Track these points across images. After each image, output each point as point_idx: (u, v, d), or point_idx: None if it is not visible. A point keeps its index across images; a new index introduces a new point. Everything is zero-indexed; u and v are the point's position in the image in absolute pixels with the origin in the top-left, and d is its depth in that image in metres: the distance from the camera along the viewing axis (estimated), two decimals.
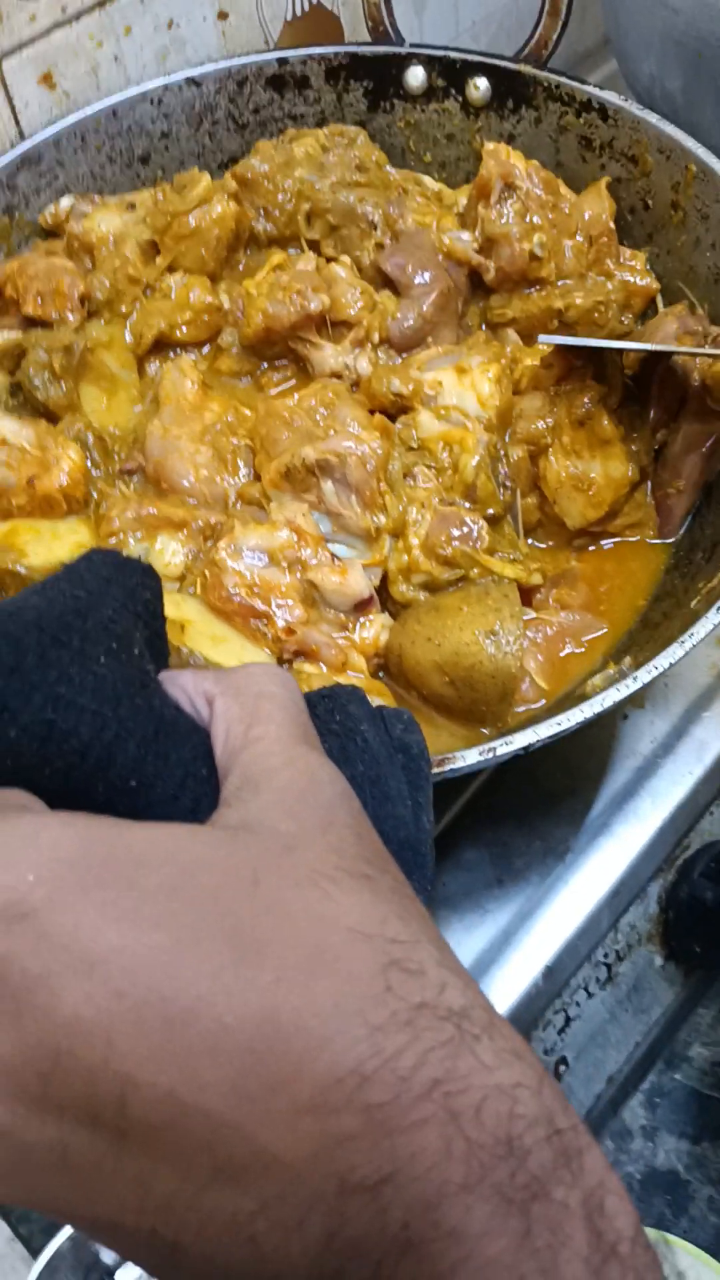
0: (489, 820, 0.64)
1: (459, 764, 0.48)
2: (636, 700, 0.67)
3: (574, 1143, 0.22)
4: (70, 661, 0.28)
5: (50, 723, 0.27)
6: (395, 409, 0.61)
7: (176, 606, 0.56)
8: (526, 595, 0.59)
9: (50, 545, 0.58)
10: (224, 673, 0.33)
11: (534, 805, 0.65)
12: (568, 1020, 0.63)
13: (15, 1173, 0.22)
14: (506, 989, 0.59)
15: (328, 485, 0.58)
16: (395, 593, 0.58)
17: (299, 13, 0.81)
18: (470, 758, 0.48)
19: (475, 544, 0.57)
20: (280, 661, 0.56)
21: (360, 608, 0.57)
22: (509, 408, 0.61)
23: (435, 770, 0.47)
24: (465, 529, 0.57)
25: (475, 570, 0.57)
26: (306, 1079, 0.21)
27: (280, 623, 0.55)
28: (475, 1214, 0.20)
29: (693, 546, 0.63)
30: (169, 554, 0.57)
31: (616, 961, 0.65)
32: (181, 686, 0.32)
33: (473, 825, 0.64)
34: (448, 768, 0.48)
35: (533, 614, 0.60)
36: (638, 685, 0.49)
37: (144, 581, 0.33)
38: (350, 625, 0.58)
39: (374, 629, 0.57)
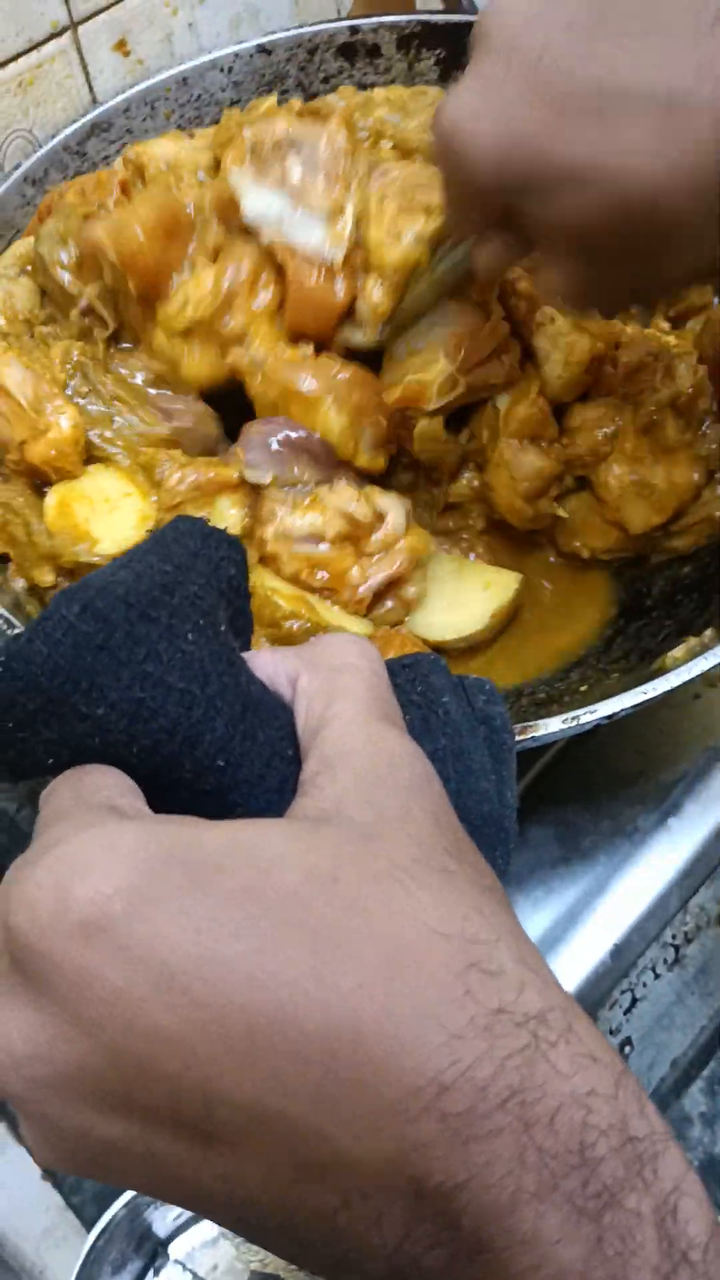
0: (555, 799, 0.63)
1: (541, 732, 0.47)
2: (709, 679, 0.66)
3: (648, 1149, 0.22)
4: (159, 638, 0.28)
5: (139, 700, 0.27)
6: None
7: (260, 582, 0.56)
8: None
9: (111, 523, 0.57)
10: (304, 647, 0.33)
11: (601, 785, 0.64)
12: (634, 1001, 0.62)
13: (104, 1163, 0.24)
14: (573, 968, 0.58)
15: (293, 160, 0.55)
16: None
17: None
18: (553, 726, 0.47)
19: None
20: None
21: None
22: None
23: (517, 739, 0.47)
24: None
25: None
26: (387, 1086, 0.21)
27: (360, 593, 0.54)
28: (547, 1222, 0.21)
29: None
30: (228, 518, 0.57)
31: (685, 943, 0.64)
32: (263, 666, 0.32)
33: (538, 804, 0.63)
34: (529, 736, 0.47)
35: None
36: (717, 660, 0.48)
37: (229, 555, 0.33)
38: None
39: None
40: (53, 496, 0.55)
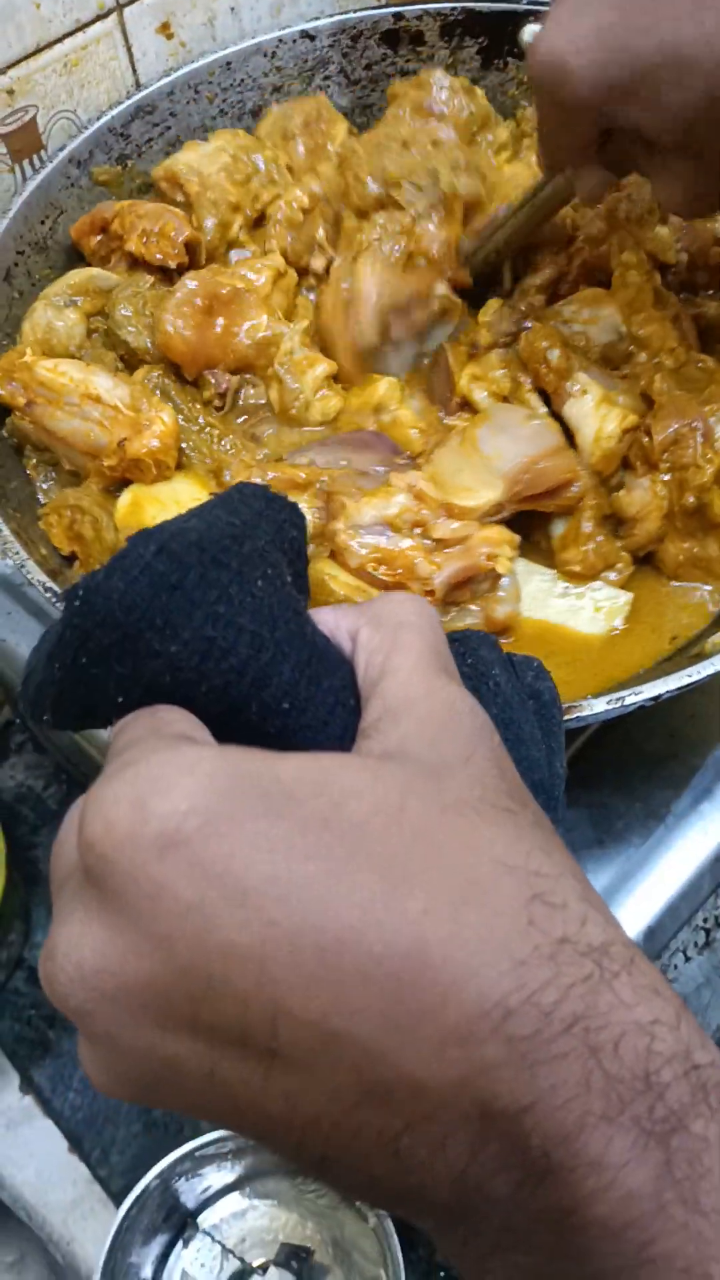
0: (589, 782, 0.64)
1: (586, 712, 0.48)
2: None
3: (713, 1077, 0.22)
4: (230, 582, 0.29)
5: (210, 639, 0.28)
6: None
7: (319, 567, 0.56)
8: None
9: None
10: (365, 605, 0.34)
11: (634, 769, 0.64)
12: None
13: (163, 1084, 0.23)
14: None
15: None
16: None
17: None
18: (598, 706, 0.48)
19: None
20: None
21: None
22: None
23: (564, 718, 0.47)
24: None
25: None
26: (453, 1009, 0.21)
27: (433, 586, 0.55)
28: (615, 1145, 0.21)
29: None
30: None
31: (715, 927, 0.65)
32: (325, 620, 0.32)
33: (572, 787, 0.63)
34: (574, 716, 0.48)
35: None
36: None
37: (291, 519, 0.33)
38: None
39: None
40: (127, 496, 0.56)
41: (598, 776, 0.64)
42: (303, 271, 0.66)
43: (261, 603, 0.29)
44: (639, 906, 0.60)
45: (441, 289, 0.62)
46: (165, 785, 0.23)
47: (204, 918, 0.22)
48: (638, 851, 0.61)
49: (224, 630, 0.28)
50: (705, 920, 0.64)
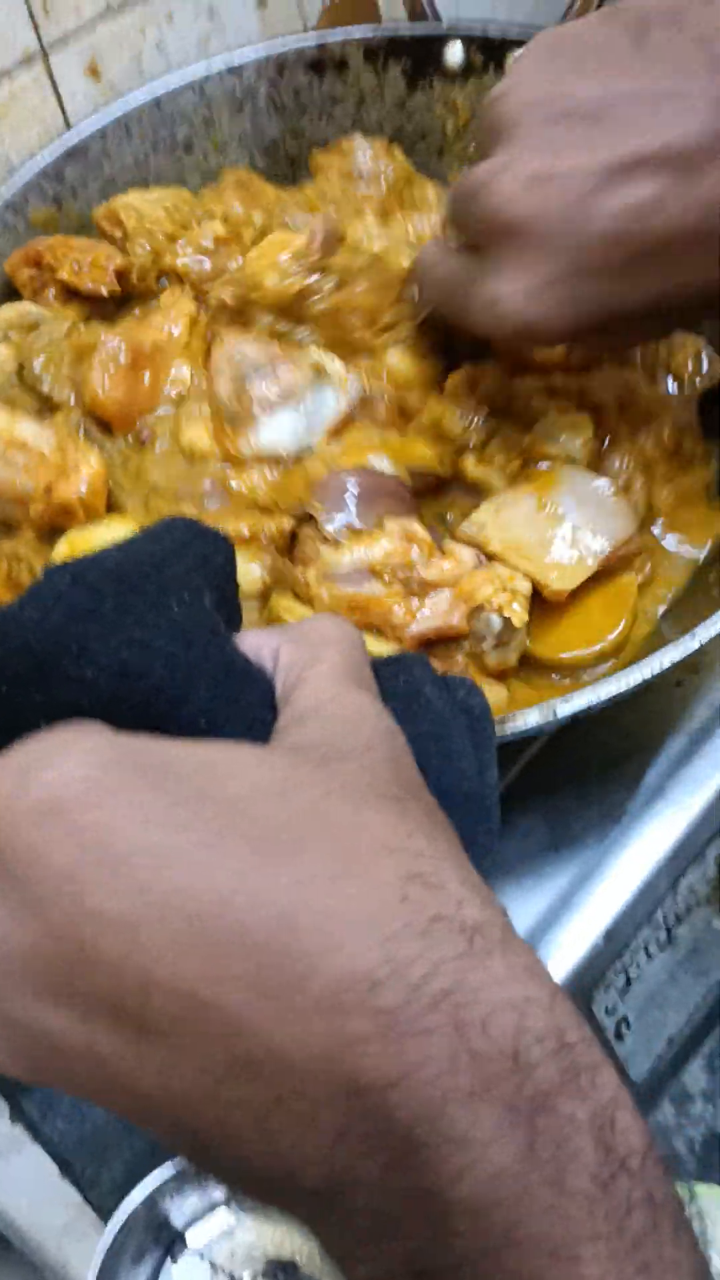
0: (543, 787, 0.65)
1: (520, 724, 0.49)
2: (690, 666, 0.68)
3: (585, 1059, 0.22)
4: (145, 608, 0.30)
5: (125, 662, 0.29)
6: None
7: (276, 604, 0.53)
8: None
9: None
10: (288, 626, 0.35)
11: (588, 772, 0.66)
12: (628, 981, 0.64)
13: (48, 1061, 0.24)
14: (568, 951, 0.60)
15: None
16: None
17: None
18: (531, 719, 0.49)
19: None
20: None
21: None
22: None
23: (496, 731, 0.48)
24: None
25: None
26: (320, 979, 0.21)
27: (411, 631, 0.52)
28: (481, 1123, 0.21)
29: None
30: (244, 572, 0.52)
31: (675, 924, 0.66)
32: (248, 641, 0.33)
33: (527, 793, 0.65)
34: (508, 727, 0.49)
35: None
36: (695, 645, 0.50)
37: (218, 546, 0.34)
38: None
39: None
40: (63, 544, 0.55)
41: (554, 780, 0.65)
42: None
43: (178, 625, 0.30)
44: (598, 907, 0.61)
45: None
46: (50, 756, 0.24)
47: (77, 884, 0.22)
48: (595, 854, 0.63)
49: (139, 652, 0.29)
50: (665, 918, 0.65)
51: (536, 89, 0.46)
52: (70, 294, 0.67)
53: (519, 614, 0.52)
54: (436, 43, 0.75)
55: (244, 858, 0.23)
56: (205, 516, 0.55)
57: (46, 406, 0.60)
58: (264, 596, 0.54)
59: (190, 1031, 0.22)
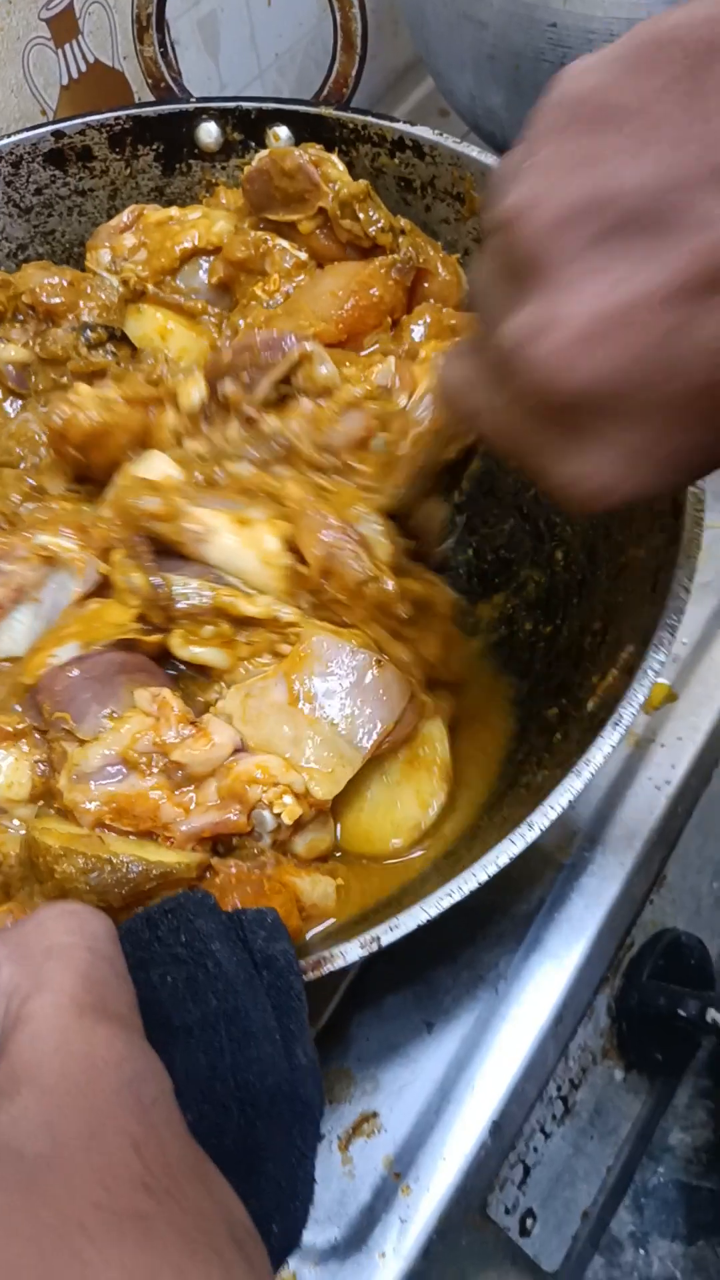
0: (408, 958, 0.57)
1: (339, 962, 0.41)
2: None
3: None
4: None
5: None
6: None
7: (31, 826, 0.45)
8: None
9: None
10: (12, 929, 0.30)
11: (457, 932, 0.58)
12: (526, 1172, 0.56)
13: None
14: (449, 1157, 0.52)
15: None
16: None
17: (75, 75, 0.73)
18: (351, 953, 0.41)
19: None
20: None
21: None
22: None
23: (311, 973, 0.40)
24: None
25: None
26: None
27: (184, 829, 0.45)
28: None
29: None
30: (8, 773, 0.46)
31: (572, 1090, 0.59)
32: None
33: (389, 969, 0.57)
34: (325, 969, 0.41)
35: None
36: (534, 836, 0.43)
37: None
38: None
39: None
40: None
41: (419, 950, 0.57)
42: None
43: None
44: (481, 1097, 0.53)
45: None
46: None
47: None
48: (472, 1030, 0.55)
49: None
50: (559, 1089, 0.58)
51: (568, 191, 0.32)
52: None
53: (291, 808, 0.44)
54: (187, 121, 0.67)
55: None
56: None
57: None
58: (35, 802, 0.47)
59: None
